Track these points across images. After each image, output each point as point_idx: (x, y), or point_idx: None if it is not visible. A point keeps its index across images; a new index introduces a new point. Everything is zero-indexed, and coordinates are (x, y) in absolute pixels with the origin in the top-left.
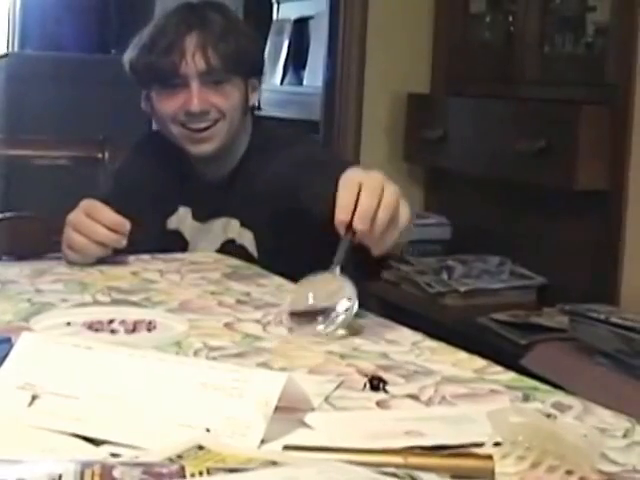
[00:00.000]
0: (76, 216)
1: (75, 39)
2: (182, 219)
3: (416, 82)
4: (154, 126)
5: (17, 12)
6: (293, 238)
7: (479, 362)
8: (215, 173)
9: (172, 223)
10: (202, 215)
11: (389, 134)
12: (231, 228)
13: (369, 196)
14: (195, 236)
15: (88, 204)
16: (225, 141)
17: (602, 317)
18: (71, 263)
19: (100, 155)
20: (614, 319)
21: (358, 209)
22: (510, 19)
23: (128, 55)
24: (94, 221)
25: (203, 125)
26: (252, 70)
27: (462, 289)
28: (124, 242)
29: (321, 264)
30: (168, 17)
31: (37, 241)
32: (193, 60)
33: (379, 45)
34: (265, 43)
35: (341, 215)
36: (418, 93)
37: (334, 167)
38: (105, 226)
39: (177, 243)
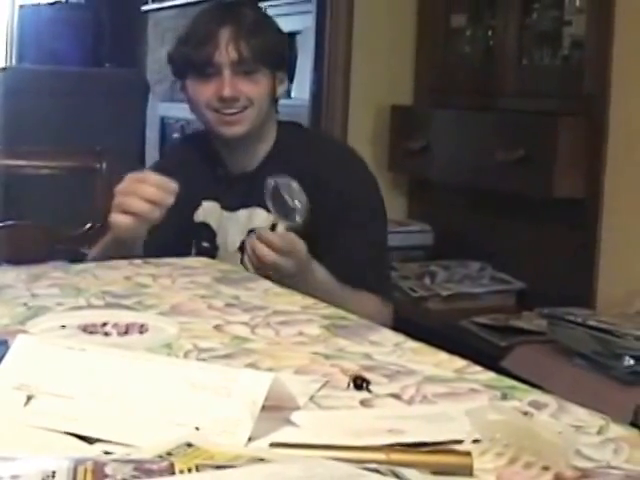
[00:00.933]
0: (125, 184)
1: (71, 53)
2: (208, 212)
3: (399, 94)
4: (147, 137)
5: (15, 27)
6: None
7: (459, 362)
8: (243, 165)
9: (199, 216)
10: (230, 206)
11: (374, 144)
12: (256, 216)
13: None
14: (222, 226)
15: (133, 174)
16: (254, 125)
17: (579, 320)
18: (122, 232)
19: (98, 165)
20: (591, 322)
21: None
22: (490, 34)
23: (168, 48)
24: (142, 183)
25: (234, 110)
26: (279, 63)
27: (444, 293)
28: (171, 200)
29: None
30: (203, 13)
31: (38, 248)
32: (226, 50)
33: (364, 59)
34: None
35: None
36: (401, 105)
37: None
38: (153, 186)
39: (205, 234)
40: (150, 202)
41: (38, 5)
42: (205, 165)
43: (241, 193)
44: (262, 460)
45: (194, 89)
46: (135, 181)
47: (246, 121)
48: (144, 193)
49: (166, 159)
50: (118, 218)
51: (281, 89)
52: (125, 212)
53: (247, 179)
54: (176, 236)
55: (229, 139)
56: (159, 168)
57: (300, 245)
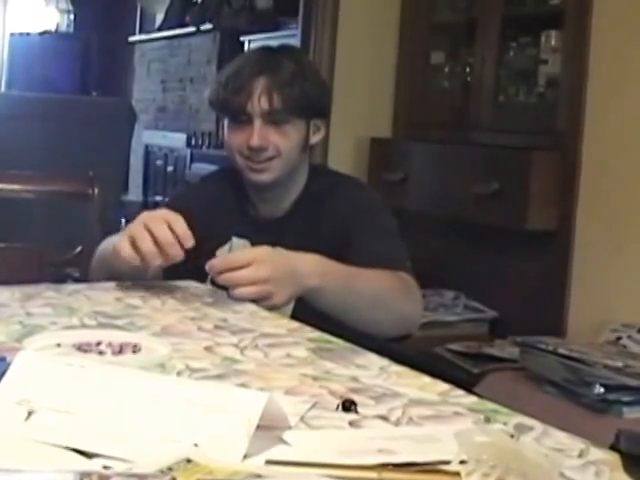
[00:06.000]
0: (151, 216)
1: (59, 81)
2: (237, 248)
3: (379, 127)
4: (132, 162)
5: (5, 55)
6: None
7: (442, 386)
8: (273, 209)
9: (224, 252)
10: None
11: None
12: None
13: None
14: None
15: (167, 212)
16: (281, 174)
17: (550, 348)
18: (121, 261)
19: (90, 191)
20: (561, 350)
21: None
22: (467, 70)
23: (208, 90)
24: (165, 225)
25: (262, 159)
26: (315, 113)
27: None
28: (180, 257)
29: None
30: (245, 59)
31: (28, 271)
32: (259, 101)
33: (345, 93)
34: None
35: None
36: (381, 138)
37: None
38: (175, 235)
39: None
40: (160, 248)
41: (28, 34)
42: (236, 205)
43: (271, 238)
44: (259, 476)
45: (228, 133)
46: (162, 220)
47: (273, 170)
48: (161, 236)
49: (200, 190)
50: (123, 247)
51: (317, 137)
52: (133, 245)
53: (276, 224)
54: (197, 270)
55: (257, 185)
56: (190, 197)
57: (257, 249)
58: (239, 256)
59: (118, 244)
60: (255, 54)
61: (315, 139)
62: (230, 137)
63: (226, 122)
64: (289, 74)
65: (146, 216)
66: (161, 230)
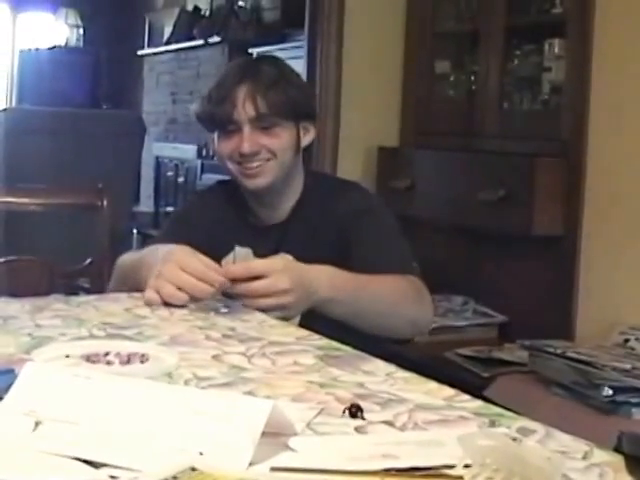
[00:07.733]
0: (168, 268)
1: (69, 95)
2: (240, 257)
3: (386, 136)
4: (143, 174)
5: (15, 70)
6: None
7: (448, 391)
8: (273, 215)
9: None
10: (261, 255)
11: (361, 184)
12: None
13: None
14: None
15: (181, 254)
16: (277, 177)
17: (559, 352)
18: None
19: (99, 203)
20: (570, 353)
21: None
22: (472, 78)
23: (194, 106)
24: (184, 272)
25: (255, 164)
26: (302, 115)
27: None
28: (210, 293)
29: None
30: (227, 70)
31: (39, 283)
32: (244, 108)
33: (352, 103)
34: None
35: None
36: (388, 146)
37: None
38: (197, 278)
39: None
40: (185, 292)
41: (37, 49)
42: (236, 215)
43: (272, 244)
44: None
45: (219, 144)
46: (178, 268)
47: (268, 173)
48: (183, 284)
49: (200, 205)
50: (151, 297)
51: (307, 139)
52: (158, 293)
53: (277, 230)
54: None
55: (253, 191)
56: (192, 214)
57: (273, 259)
58: (257, 265)
59: (144, 296)
60: (235, 64)
61: (306, 141)
62: (220, 147)
63: (215, 134)
64: (271, 78)
65: (161, 273)
66: (182, 277)
